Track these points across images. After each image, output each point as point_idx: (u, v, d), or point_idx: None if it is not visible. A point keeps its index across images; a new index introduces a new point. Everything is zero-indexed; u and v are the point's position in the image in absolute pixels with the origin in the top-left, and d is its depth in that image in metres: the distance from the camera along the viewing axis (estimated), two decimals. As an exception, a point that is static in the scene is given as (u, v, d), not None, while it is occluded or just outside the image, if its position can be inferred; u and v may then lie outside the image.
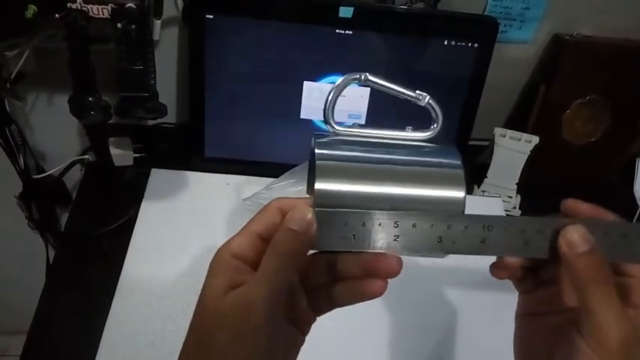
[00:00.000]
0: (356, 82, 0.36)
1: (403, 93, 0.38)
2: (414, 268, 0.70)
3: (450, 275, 0.69)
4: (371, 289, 0.32)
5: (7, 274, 1.06)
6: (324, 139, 0.34)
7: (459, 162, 0.34)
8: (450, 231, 0.32)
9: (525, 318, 0.37)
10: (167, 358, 0.58)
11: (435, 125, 0.37)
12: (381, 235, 0.32)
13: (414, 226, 0.32)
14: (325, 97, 0.35)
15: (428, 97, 0.37)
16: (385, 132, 0.36)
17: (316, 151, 0.33)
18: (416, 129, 0.37)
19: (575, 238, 0.31)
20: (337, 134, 0.35)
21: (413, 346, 0.63)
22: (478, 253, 0.33)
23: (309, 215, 0.30)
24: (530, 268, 0.36)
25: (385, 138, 0.36)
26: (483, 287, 0.68)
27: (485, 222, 0.32)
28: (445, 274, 0.69)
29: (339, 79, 0.35)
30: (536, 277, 0.36)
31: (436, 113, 0.37)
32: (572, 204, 0.35)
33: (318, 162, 0.32)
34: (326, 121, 0.35)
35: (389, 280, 0.32)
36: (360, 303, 0.33)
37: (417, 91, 0.37)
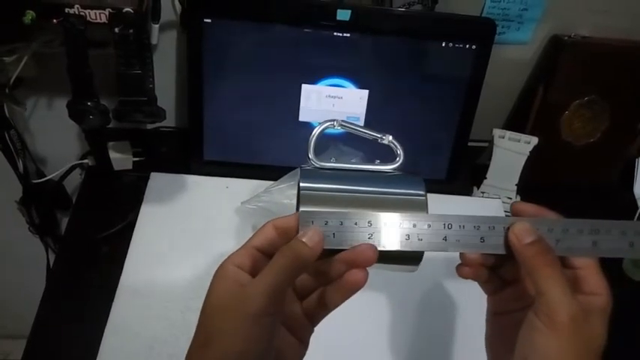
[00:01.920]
0: (331, 127, 0.45)
1: (369, 134, 0.47)
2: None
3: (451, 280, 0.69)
4: (354, 278, 0.36)
5: (8, 279, 1.07)
6: (308, 170, 0.42)
7: (422, 191, 0.42)
8: (416, 229, 0.37)
9: (495, 317, 0.41)
10: (167, 360, 0.59)
11: (399, 159, 0.46)
12: (357, 233, 0.37)
13: (385, 224, 0.37)
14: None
15: (390, 137, 0.47)
16: (358, 165, 0.44)
17: (300, 184, 0.40)
18: (383, 162, 0.45)
19: (521, 231, 0.36)
20: (319, 167, 0.43)
21: (417, 348, 0.63)
22: (441, 250, 0.37)
23: (318, 237, 0.35)
24: (494, 268, 0.40)
25: (358, 170, 0.44)
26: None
27: (446, 220, 0.37)
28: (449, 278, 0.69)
29: (316, 128, 0.44)
30: (500, 278, 0.40)
31: (398, 150, 0.46)
32: (519, 205, 0.39)
33: (301, 192, 0.39)
34: (309, 158, 0.43)
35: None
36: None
37: (381, 134, 0.47)
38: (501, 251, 0.37)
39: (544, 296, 0.34)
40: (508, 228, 0.37)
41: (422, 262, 0.40)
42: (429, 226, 0.38)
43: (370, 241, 0.37)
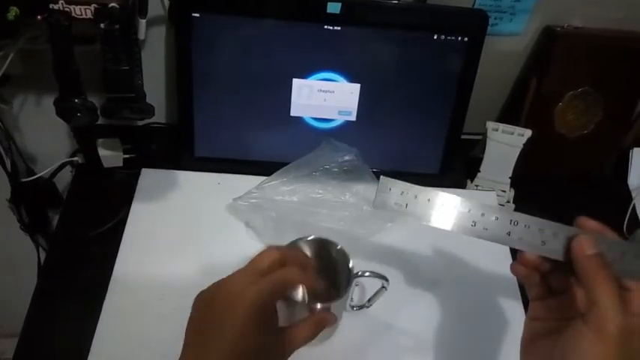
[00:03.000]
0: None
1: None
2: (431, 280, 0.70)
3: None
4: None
5: (-1, 277, 1.06)
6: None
7: None
8: (484, 218, 0.40)
9: (534, 322, 0.43)
10: (159, 358, 0.58)
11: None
12: (428, 209, 0.41)
13: (454, 207, 0.41)
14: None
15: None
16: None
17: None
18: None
19: (585, 242, 0.38)
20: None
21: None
22: (503, 243, 0.40)
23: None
24: (545, 275, 0.42)
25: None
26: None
27: (512, 217, 0.40)
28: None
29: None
30: (548, 286, 0.42)
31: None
32: (584, 221, 0.41)
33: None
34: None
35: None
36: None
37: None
38: (559, 257, 0.39)
39: (597, 306, 0.36)
40: (571, 237, 0.39)
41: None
42: (497, 218, 0.40)
43: (440, 217, 0.41)
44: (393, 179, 0.43)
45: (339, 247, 0.56)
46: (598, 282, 0.37)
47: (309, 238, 0.57)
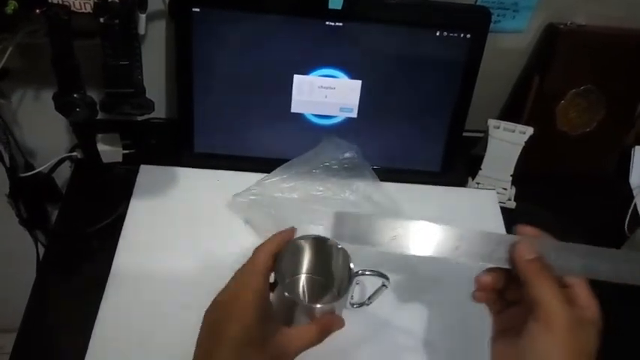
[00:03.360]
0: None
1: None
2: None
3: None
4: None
5: (-2, 272, 1.06)
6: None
7: None
8: (434, 237, 0.44)
9: (498, 334, 0.46)
10: (157, 354, 0.58)
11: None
12: (380, 236, 0.45)
13: (408, 230, 0.44)
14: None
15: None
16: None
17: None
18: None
19: (524, 249, 0.42)
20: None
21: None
22: (453, 257, 0.44)
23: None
24: (501, 291, 0.46)
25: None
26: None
27: (459, 232, 0.44)
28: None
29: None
30: (505, 300, 0.46)
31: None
32: (522, 228, 0.46)
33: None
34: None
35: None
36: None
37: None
38: (506, 265, 0.43)
39: (542, 305, 0.40)
40: (512, 245, 0.43)
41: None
42: (445, 237, 0.44)
43: (394, 242, 0.44)
44: (347, 212, 0.46)
45: (339, 245, 0.56)
46: (540, 283, 0.41)
47: (309, 237, 0.56)
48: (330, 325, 0.50)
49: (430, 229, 0.44)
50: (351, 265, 0.55)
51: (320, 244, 0.57)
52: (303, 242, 0.56)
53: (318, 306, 0.53)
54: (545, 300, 0.40)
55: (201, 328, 0.46)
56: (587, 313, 0.41)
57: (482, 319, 0.46)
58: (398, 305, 0.65)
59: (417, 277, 0.68)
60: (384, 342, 0.62)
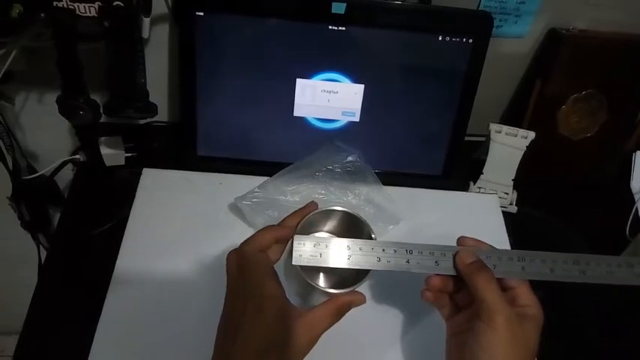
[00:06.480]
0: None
1: None
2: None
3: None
4: None
5: (0, 275, 1.06)
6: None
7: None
8: (385, 253, 0.48)
9: (451, 337, 0.49)
10: (160, 357, 0.58)
11: None
12: (338, 255, 0.49)
13: (360, 249, 0.49)
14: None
15: None
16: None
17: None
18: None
19: (465, 255, 0.48)
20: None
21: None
22: (405, 269, 0.48)
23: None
24: (451, 295, 0.50)
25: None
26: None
27: (407, 247, 0.49)
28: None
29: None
30: (456, 304, 0.50)
31: None
32: (463, 239, 0.51)
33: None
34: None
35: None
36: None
37: None
38: (452, 273, 0.48)
39: (484, 302, 0.44)
40: (455, 254, 0.48)
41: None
42: (395, 251, 0.48)
43: (349, 262, 0.48)
44: (305, 235, 0.50)
45: (365, 221, 0.57)
46: (481, 283, 0.45)
47: (341, 209, 0.58)
48: (347, 301, 0.51)
49: (380, 245, 0.49)
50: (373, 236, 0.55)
51: (351, 221, 0.58)
52: (334, 213, 0.59)
53: (336, 292, 0.52)
54: (487, 298, 0.44)
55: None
56: (527, 311, 0.45)
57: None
58: (398, 306, 0.65)
59: (417, 279, 0.68)
60: (384, 341, 0.62)
